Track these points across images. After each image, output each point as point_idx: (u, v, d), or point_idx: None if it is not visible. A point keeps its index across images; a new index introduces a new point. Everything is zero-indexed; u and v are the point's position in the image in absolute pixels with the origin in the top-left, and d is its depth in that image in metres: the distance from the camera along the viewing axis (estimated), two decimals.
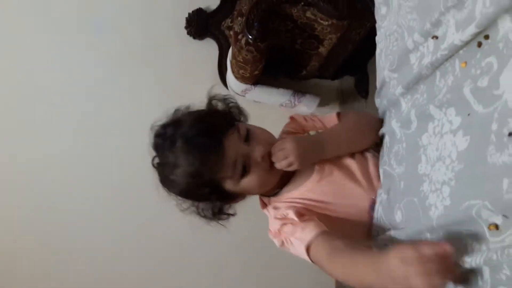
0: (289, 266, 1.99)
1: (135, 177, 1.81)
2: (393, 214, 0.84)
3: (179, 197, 0.93)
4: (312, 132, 1.03)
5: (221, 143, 0.85)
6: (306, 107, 2.09)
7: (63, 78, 2.19)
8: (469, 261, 0.62)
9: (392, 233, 0.82)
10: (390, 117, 0.91)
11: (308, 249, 0.85)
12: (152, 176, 0.95)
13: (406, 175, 0.81)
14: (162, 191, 0.94)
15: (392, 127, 0.88)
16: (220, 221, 0.97)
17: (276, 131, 1.12)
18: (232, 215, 0.98)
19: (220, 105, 0.98)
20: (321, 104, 2.11)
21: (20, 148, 2.16)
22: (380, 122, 1.00)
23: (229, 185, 0.90)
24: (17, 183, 2.15)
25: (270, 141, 0.94)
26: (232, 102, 1.00)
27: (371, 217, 0.94)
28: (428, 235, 0.71)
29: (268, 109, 2.16)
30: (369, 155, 0.99)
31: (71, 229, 2.19)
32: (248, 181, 0.90)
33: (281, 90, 2.07)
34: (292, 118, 1.10)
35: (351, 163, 0.97)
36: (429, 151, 0.74)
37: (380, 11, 0.94)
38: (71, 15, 2.19)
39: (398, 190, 0.83)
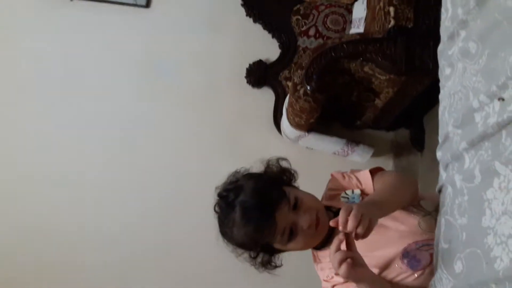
0: None
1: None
2: (452, 264, 0.86)
3: (234, 246, 1.08)
4: (349, 192, 1.14)
5: (274, 218, 0.99)
6: (359, 156, 2.11)
7: (126, 114, 2.40)
8: None
9: (453, 283, 0.84)
10: (452, 170, 0.94)
11: None
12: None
13: (469, 227, 0.84)
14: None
15: (454, 180, 0.91)
16: (267, 270, 1.11)
17: (326, 178, 1.22)
18: (279, 266, 1.12)
19: (275, 168, 1.13)
20: (375, 155, 2.13)
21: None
22: (416, 183, 1.14)
23: (277, 245, 1.06)
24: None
25: (316, 208, 1.06)
26: (285, 166, 1.14)
27: (404, 265, 1.02)
28: (493, 286, 0.73)
29: (320, 156, 2.21)
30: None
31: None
32: (294, 244, 1.04)
33: (334, 139, 2.11)
34: (332, 176, 1.22)
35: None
36: (494, 205, 0.76)
37: (444, 72, 1.00)
38: (142, 57, 2.42)
39: (459, 241, 0.86)
